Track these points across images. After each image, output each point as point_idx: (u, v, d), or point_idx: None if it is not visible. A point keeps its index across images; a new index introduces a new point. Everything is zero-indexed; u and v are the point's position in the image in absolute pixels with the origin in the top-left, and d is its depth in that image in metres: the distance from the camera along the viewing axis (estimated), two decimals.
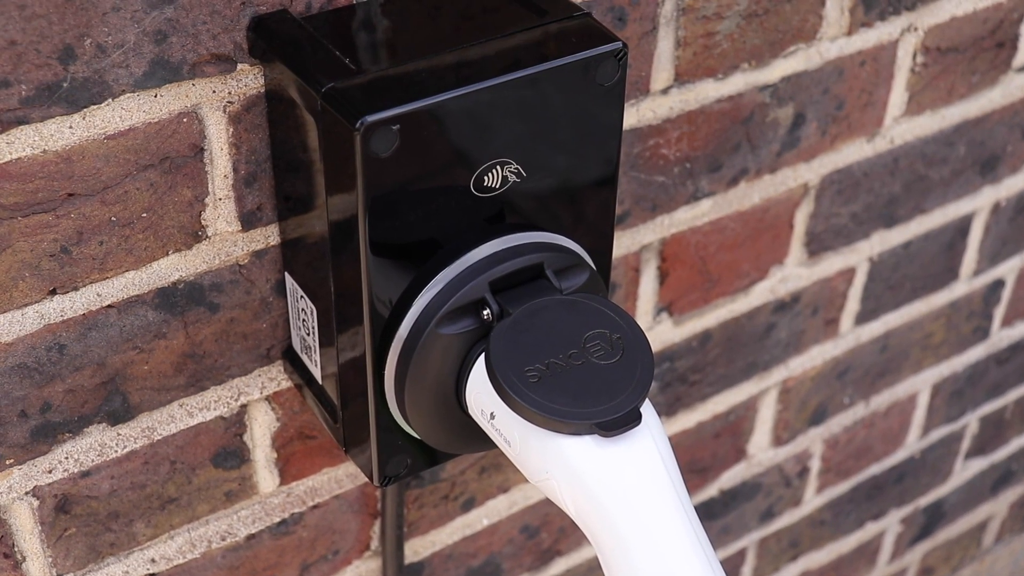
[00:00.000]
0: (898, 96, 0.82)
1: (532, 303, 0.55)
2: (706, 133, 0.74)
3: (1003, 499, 1.33)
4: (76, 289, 0.57)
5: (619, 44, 0.54)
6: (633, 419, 0.51)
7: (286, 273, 0.62)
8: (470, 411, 0.57)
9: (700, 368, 0.87)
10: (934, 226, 0.94)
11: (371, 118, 0.49)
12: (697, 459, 0.94)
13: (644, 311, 0.80)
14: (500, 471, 0.81)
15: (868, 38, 0.78)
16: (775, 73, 0.75)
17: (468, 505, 0.81)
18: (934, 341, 1.04)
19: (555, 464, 0.52)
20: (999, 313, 1.09)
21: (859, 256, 0.90)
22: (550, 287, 0.56)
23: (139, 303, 0.59)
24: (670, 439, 0.85)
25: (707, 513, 0.98)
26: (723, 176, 0.77)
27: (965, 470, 1.23)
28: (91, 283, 0.57)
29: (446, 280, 0.55)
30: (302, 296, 0.61)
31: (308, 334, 0.62)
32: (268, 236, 0.61)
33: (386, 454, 0.60)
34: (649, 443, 0.51)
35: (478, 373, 0.55)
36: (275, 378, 0.66)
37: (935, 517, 1.25)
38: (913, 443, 1.13)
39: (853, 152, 0.83)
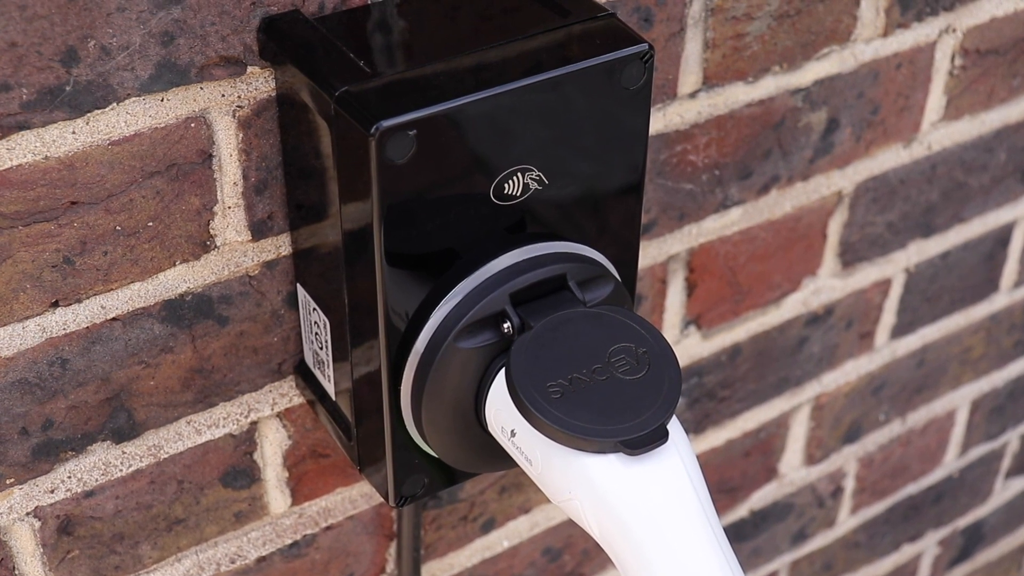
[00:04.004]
0: (936, 100, 0.82)
1: (554, 316, 0.54)
2: (736, 139, 0.74)
3: None
4: (79, 301, 0.57)
5: (645, 46, 0.54)
6: (660, 436, 0.51)
7: (298, 284, 0.62)
8: (490, 428, 0.57)
9: (729, 384, 0.87)
10: (973, 236, 0.94)
11: (387, 123, 0.49)
12: (726, 478, 0.93)
13: (671, 324, 0.80)
14: (521, 491, 0.81)
15: (904, 40, 0.78)
16: (807, 76, 0.75)
17: (488, 526, 0.81)
18: (973, 355, 1.04)
19: (578, 483, 0.51)
20: None
21: (895, 267, 0.90)
22: (573, 299, 0.55)
23: (145, 316, 0.59)
24: (698, 457, 0.85)
25: (737, 535, 0.98)
26: (753, 183, 0.77)
27: (1006, 490, 1.23)
28: (95, 295, 0.57)
29: (465, 292, 0.55)
30: (315, 308, 0.60)
31: (321, 348, 0.61)
32: (279, 246, 0.61)
33: (402, 473, 0.60)
34: (676, 462, 0.51)
35: (498, 389, 0.55)
36: (287, 394, 0.66)
37: (974, 539, 1.25)
38: (951, 462, 1.12)
39: (889, 158, 0.83)
